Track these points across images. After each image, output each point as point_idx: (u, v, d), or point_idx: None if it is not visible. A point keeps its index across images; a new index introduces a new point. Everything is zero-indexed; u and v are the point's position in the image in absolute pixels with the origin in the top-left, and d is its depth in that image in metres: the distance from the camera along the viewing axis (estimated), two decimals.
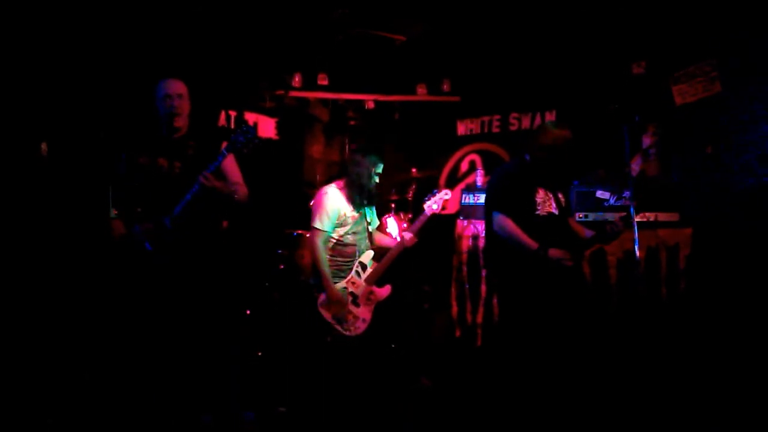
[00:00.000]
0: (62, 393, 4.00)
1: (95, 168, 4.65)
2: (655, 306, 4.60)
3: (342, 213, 4.04)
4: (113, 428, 3.71)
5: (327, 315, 4.00)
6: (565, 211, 3.88)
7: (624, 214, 3.76)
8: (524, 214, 3.70)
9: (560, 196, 3.86)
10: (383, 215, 5.49)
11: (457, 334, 5.58)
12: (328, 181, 4.34)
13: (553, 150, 3.77)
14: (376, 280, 4.14)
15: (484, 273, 5.31)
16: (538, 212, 3.73)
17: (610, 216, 4.56)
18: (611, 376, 4.19)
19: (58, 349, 4.32)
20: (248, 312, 4.99)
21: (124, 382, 3.83)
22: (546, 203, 3.76)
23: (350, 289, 4.05)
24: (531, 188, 3.76)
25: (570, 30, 5.68)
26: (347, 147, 6.52)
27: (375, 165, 4.06)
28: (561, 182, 3.94)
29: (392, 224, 5.62)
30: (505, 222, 3.68)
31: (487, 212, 3.84)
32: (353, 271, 4.09)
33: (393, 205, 5.77)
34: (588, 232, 3.87)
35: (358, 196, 4.06)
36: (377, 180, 4.12)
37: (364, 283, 4.10)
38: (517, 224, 3.67)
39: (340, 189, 4.08)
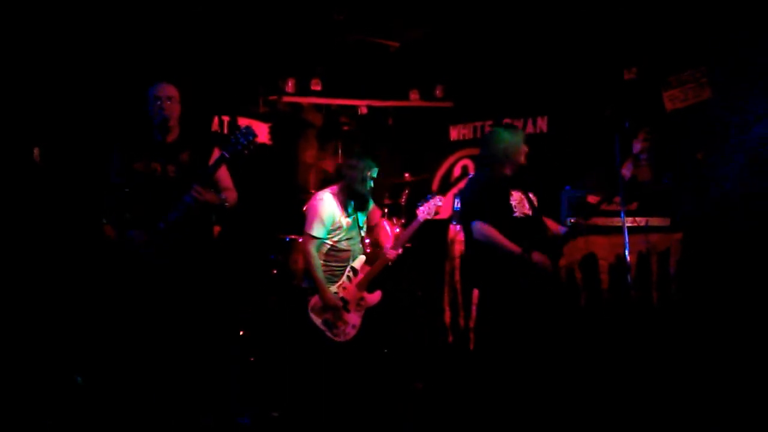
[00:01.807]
0: (60, 395, 4.00)
1: (88, 173, 4.65)
2: (646, 311, 4.62)
3: (336, 219, 4.05)
4: (112, 430, 3.71)
5: (317, 320, 4.00)
6: (539, 211, 3.91)
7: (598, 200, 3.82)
8: (502, 217, 3.72)
9: (532, 196, 3.89)
10: None
11: (450, 339, 5.59)
12: (321, 187, 4.35)
13: (509, 153, 3.80)
14: (367, 285, 4.15)
15: None
16: (515, 214, 3.76)
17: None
18: (603, 380, 4.20)
19: (56, 352, 4.32)
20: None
21: (122, 385, 3.82)
22: (521, 204, 3.79)
23: (341, 294, 4.06)
24: (503, 192, 3.78)
25: (562, 36, 5.72)
26: (340, 152, 6.53)
27: (370, 169, 4.07)
28: (530, 182, 3.96)
29: (385, 229, 5.63)
30: (485, 228, 3.70)
31: (464, 223, 3.86)
32: (344, 276, 4.09)
33: (386, 210, 5.78)
34: (562, 229, 3.94)
35: (352, 201, 4.07)
36: (372, 185, 4.13)
37: (355, 289, 4.10)
38: (497, 228, 3.69)
39: (334, 195, 4.09)
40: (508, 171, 3.85)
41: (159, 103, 3.56)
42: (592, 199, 4.68)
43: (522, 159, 3.86)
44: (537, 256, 3.64)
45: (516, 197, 3.80)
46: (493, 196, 3.76)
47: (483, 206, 3.75)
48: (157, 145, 3.61)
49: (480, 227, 3.72)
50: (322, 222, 3.99)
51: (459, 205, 4.04)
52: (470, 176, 4.32)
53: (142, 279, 3.56)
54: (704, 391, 4.05)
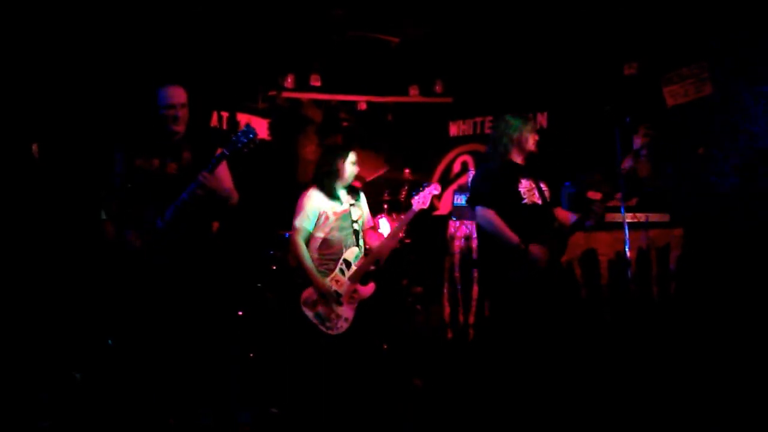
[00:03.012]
0: (58, 395, 3.99)
1: (88, 170, 4.64)
2: (646, 306, 4.62)
3: (322, 211, 4.08)
4: (111, 429, 3.71)
5: (309, 313, 4.00)
6: (550, 201, 3.89)
7: (599, 197, 3.78)
8: (510, 204, 3.71)
9: (543, 186, 3.87)
10: (375, 216, 5.49)
11: (449, 335, 5.59)
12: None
13: (517, 140, 3.80)
14: (360, 278, 4.14)
15: (475, 273, 5.32)
16: (524, 201, 3.74)
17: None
18: (604, 375, 4.20)
19: (54, 349, 4.31)
20: (240, 313, 5.00)
21: (122, 383, 3.82)
22: (530, 193, 3.77)
23: (334, 288, 4.05)
24: (511, 178, 3.77)
25: (562, 31, 5.70)
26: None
27: (347, 156, 4.11)
28: (542, 172, 3.95)
29: (385, 225, 5.63)
30: (487, 213, 3.69)
31: (471, 209, 3.86)
32: (337, 269, 4.09)
33: (386, 206, 5.78)
34: (572, 217, 3.87)
35: (333, 185, 4.10)
36: (355, 168, 4.15)
37: (348, 281, 4.09)
38: (505, 215, 3.67)
39: (317, 189, 4.14)
40: (517, 158, 3.84)
41: (173, 111, 3.57)
42: (592, 195, 4.67)
43: (532, 147, 3.84)
44: (534, 249, 3.62)
45: (526, 185, 3.76)
46: (498, 182, 3.75)
47: (486, 192, 3.74)
48: (160, 143, 3.62)
49: (481, 212, 3.72)
50: (306, 214, 4.06)
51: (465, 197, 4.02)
52: (480, 165, 4.30)
53: (140, 277, 3.55)
54: (703, 387, 4.05)
